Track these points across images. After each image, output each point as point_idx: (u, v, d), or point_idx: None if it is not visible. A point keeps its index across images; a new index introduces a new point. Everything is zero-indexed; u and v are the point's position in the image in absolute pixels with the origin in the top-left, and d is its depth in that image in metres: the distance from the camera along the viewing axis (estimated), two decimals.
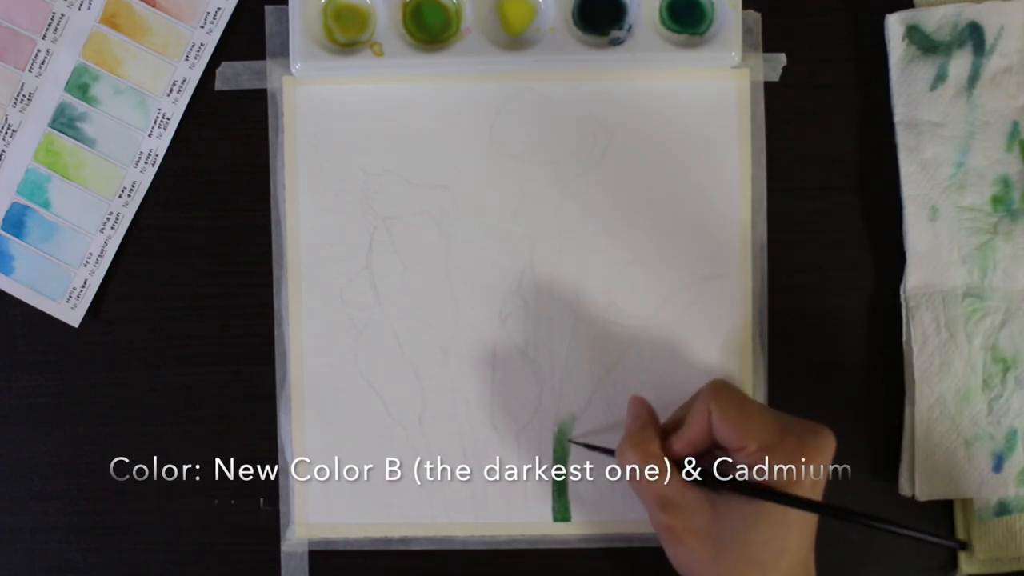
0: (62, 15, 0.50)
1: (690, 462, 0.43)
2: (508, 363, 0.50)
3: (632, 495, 0.49)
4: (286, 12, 0.49)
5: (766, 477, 0.41)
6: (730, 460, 0.43)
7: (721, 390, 0.43)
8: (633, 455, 0.43)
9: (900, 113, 0.48)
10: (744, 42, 0.48)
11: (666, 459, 0.43)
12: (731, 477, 0.42)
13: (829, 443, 0.42)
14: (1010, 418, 0.48)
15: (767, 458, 0.41)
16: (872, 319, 0.50)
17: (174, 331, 0.50)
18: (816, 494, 0.41)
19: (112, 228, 0.50)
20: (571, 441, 0.49)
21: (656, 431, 0.44)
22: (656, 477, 0.42)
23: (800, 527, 0.41)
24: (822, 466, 0.41)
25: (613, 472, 0.49)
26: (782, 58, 0.49)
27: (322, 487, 0.50)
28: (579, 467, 0.49)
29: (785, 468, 0.41)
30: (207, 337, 0.50)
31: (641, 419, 0.45)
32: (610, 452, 0.46)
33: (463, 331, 0.50)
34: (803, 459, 0.41)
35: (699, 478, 0.43)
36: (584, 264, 0.50)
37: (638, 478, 0.43)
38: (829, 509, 0.41)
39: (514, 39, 0.49)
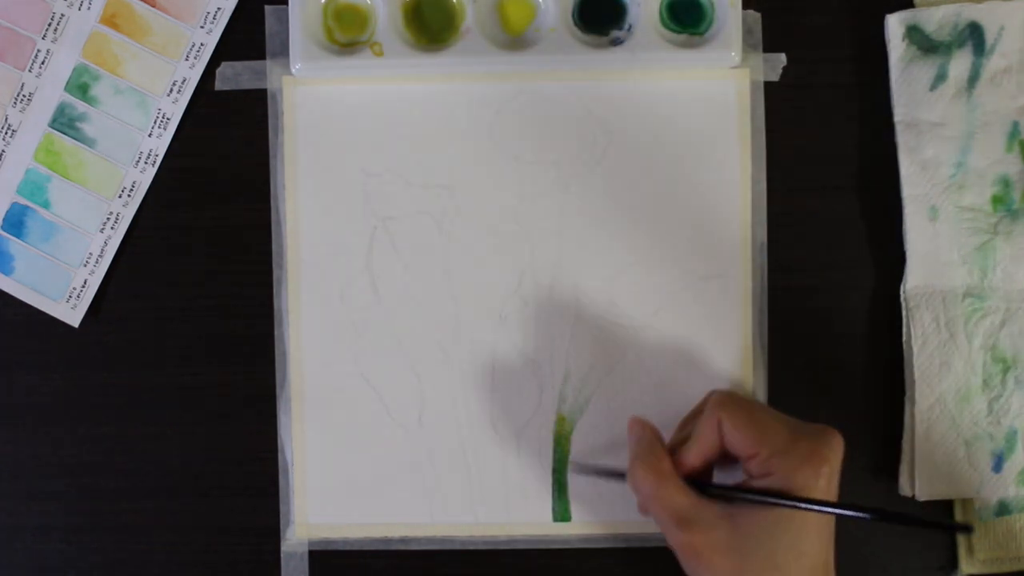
0: (62, 15, 0.50)
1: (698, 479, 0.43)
2: (508, 363, 0.50)
3: (631, 494, 0.49)
4: (286, 12, 0.49)
5: (780, 483, 0.41)
6: (745, 469, 0.43)
7: (728, 400, 0.43)
8: (646, 477, 0.43)
9: (900, 113, 0.48)
10: (744, 42, 0.48)
11: (679, 477, 0.43)
12: (745, 487, 0.42)
13: (838, 445, 0.42)
14: (1010, 418, 0.48)
15: (780, 463, 0.41)
16: (872, 319, 0.50)
17: (174, 331, 0.50)
18: (830, 495, 0.41)
19: (112, 228, 0.50)
20: (578, 466, 0.49)
21: (664, 450, 0.44)
22: (672, 495, 0.42)
23: (818, 529, 0.41)
24: (834, 468, 0.41)
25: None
26: (782, 58, 0.49)
27: (322, 487, 0.50)
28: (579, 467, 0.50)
29: (798, 472, 0.41)
30: (207, 337, 0.50)
31: (646, 440, 0.45)
32: (620, 476, 0.46)
33: (463, 331, 0.50)
34: (815, 462, 0.41)
35: (715, 492, 0.43)
36: (584, 264, 0.50)
37: (652, 497, 0.43)
38: (844, 507, 0.41)
39: (514, 39, 0.49)
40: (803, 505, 0.40)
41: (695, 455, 0.43)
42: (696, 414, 0.46)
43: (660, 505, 0.42)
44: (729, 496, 0.42)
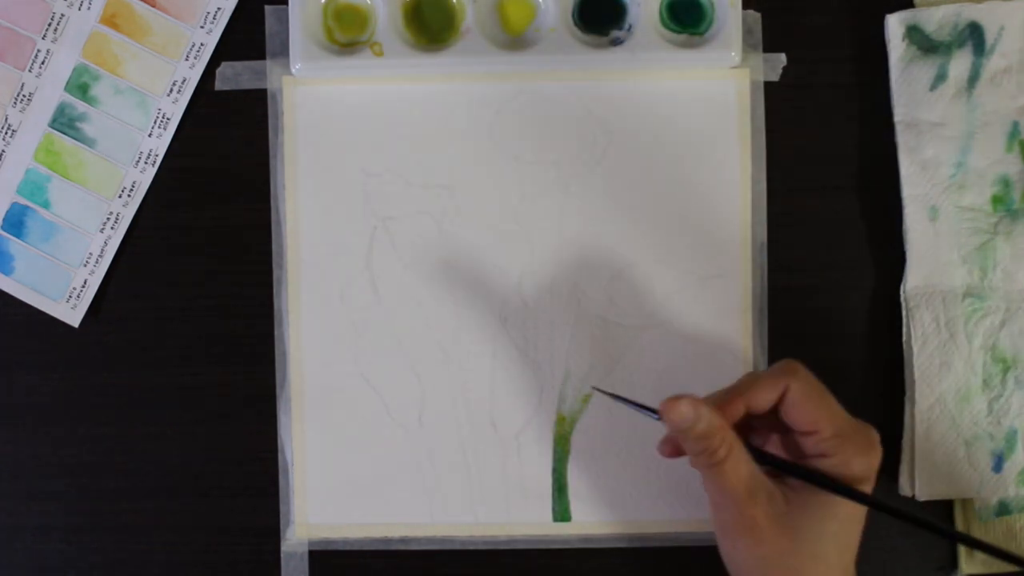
0: (62, 15, 0.50)
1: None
2: (508, 363, 0.50)
3: (632, 494, 0.49)
4: (286, 12, 0.49)
5: (837, 467, 0.40)
6: (798, 445, 0.42)
7: (800, 370, 0.42)
8: (715, 441, 0.40)
9: (900, 113, 0.48)
10: (744, 42, 0.48)
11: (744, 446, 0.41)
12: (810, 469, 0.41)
13: (880, 445, 0.41)
14: (1010, 418, 0.48)
15: (840, 447, 0.40)
16: (872, 319, 0.50)
17: (174, 331, 0.50)
18: (871, 489, 0.41)
19: (112, 228, 0.50)
20: (612, 396, 0.45)
21: (724, 416, 0.41)
22: (741, 465, 0.40)
23: (859, 524, 0.41)
24: (878, 465, 0.41)
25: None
26: (782, 58, 0.49)
27: (322, 487, 0.50)
28: (579, 467, 0.50)
29: (857, 459, 0.40)
30: (207, 337, 0.50)
31: (715, 396, 0.42)
32: (648, 409, 0.42)
33: (463, 331, 0.50)
34: (872, 453, 0.40)
35: (774, 461, 0.41)
36: (584, 264, 0.50)
37: (720, 465, 0.40)
38: (905, 515, 0.40)
39: (514, 39, 0.49)
40: (861, 498, 0.40)
41: (738, 408, 0.41)
42: (757, 374, 0.44)
43: (727, 475, 0.40)
44: (784, 472, 0.41)
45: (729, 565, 0.42)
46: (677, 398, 0.40)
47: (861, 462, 0.40)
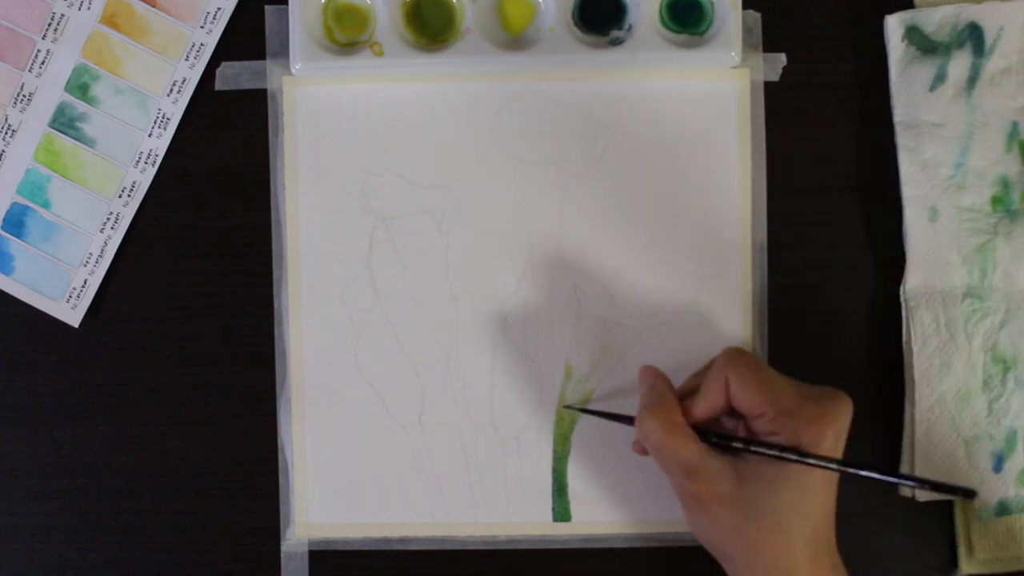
0: (62, 15, 0.50)
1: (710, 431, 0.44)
2: (508, 363, 0.50)
3: (632, 494, 0.49)
4: (286, 12, 0.49)
5: (786, 442, 0.41)
6: (751, 428, 0.43)
7: (737, 358, 0.43)
8: (655, 424, 0.43)
9: (900, 113, 0.49)
10: (744, 42, 0.48)
11: (688, 426, 0.43)
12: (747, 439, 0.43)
13: (847, 407, 0.42)
14: (1010, 418, 0.48)
15: (786, 423, 0.41)
16: (872, 319, 0.50)
17: (174, 331, 0.50)
18: (835, 456, 0.42)
19: (112, 228, 0.50)
20: (581, 410, 0.49)
21: (675, 399, 0.44)
22: (681, 445, 0.42)
23: (823, 492, 0.41)
24: (840, 429, 0.42)
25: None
26: (782, 58, 0.49)
27: (322, 487, 0.50)
28: (579, 467, 0.50)
29: (804, 432, 0.41)
30: (207, 337, 0.50)
31: (657, 388, 0.45)
32: (627, 420, 0.46)
33: (463, 331, 0.50)
34: (822, 422, 0.41)
35: (718, 441, 0.43)
36: (584, 264, 0.50)
37: (662, 447, 0.43)
38: (847, 465, 0.41)
39: (514, 39, 0.49)
40: (810, 461, 0.41)
41: (701, 410, 0.44)
42: (709, 367, 0.46)
43: (668, 454, 0.43)
44: (731, 446, 0.43)
45: (697, 539, 0.44)
46: (651, 367, 0.46)
47: (811, 433, 0.41)
